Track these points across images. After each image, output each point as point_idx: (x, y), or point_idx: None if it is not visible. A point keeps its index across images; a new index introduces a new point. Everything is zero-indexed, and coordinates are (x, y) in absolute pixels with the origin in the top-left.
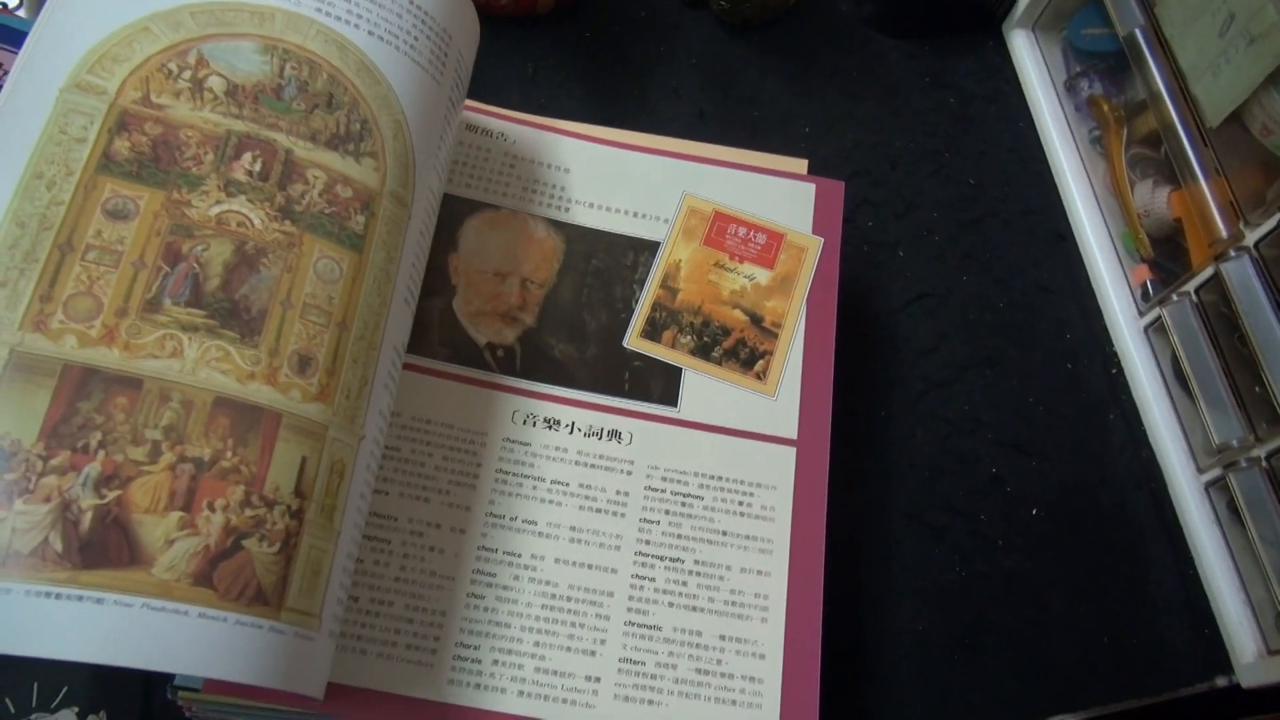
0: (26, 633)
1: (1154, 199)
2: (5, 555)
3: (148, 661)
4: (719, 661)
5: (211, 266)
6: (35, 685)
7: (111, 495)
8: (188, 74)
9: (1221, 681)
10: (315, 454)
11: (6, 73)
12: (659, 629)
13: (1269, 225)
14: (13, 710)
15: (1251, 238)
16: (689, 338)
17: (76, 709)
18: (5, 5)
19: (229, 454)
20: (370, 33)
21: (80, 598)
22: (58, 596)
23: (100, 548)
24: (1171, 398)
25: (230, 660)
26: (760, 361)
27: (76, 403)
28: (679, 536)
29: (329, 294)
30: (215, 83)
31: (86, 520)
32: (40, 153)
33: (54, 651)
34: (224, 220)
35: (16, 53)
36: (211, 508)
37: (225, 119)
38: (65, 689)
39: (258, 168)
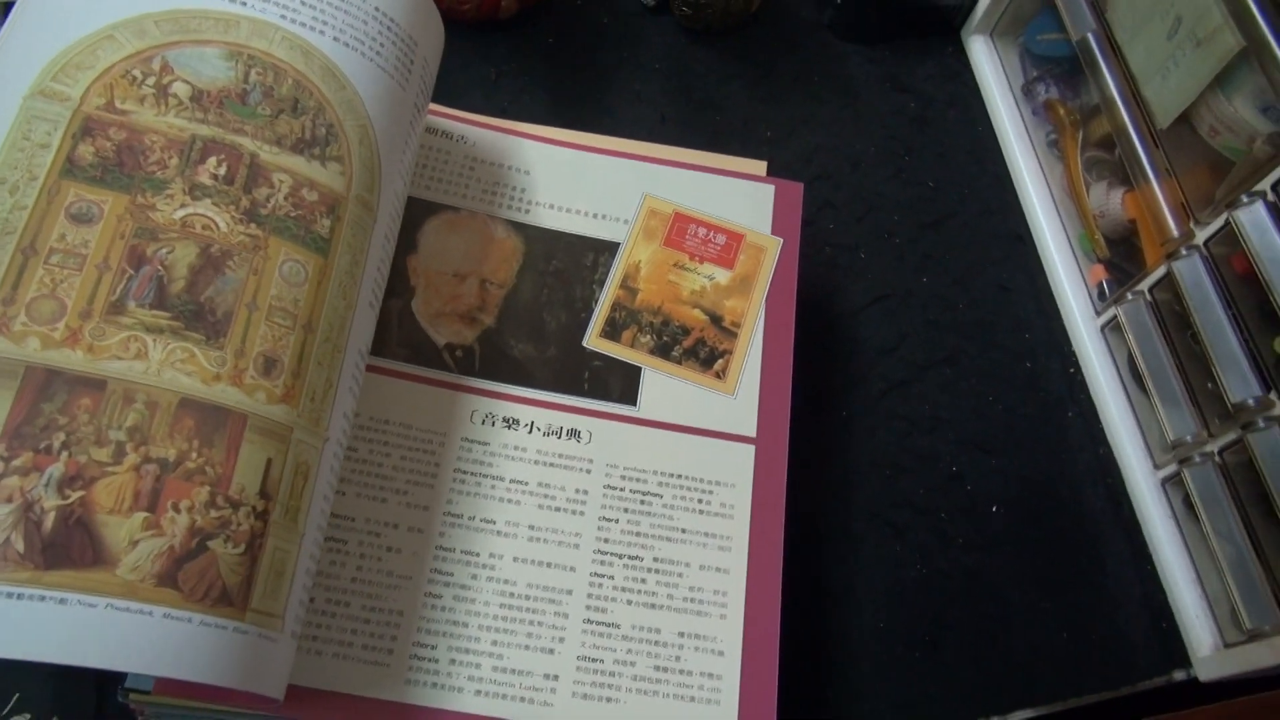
0: None
1: (1109, 200)
2: None
3: (111, 661)
4: (678, 659)
5: (176, 269)
6: None
7: (75, 496)
8: (152, 80)
9: (1179, 675)
10: (280, 455)
11: None
12: (617, 626)
13: (1217, 224)
14: None
15: (1201, 236)
16: (649, 337)
17: (29, 715)
18: None
19: (194, 455)
20: (336, 39)
21: (43, 598)
22: (20, 596)
23: (63, 548)
24: (1128, 395)
25: (194, 661)
26: (719, 360)
27: (39, 404)
28: (638, 534)
29: (295, 296)
30: (180, 88)
31: (49, 521)
32: (3, 159)
33: (16, 651)
34: (189, 223)
35: None
36: (176, 509)
37: (190, 124)
38: (17, 695)
39: (223, 171)
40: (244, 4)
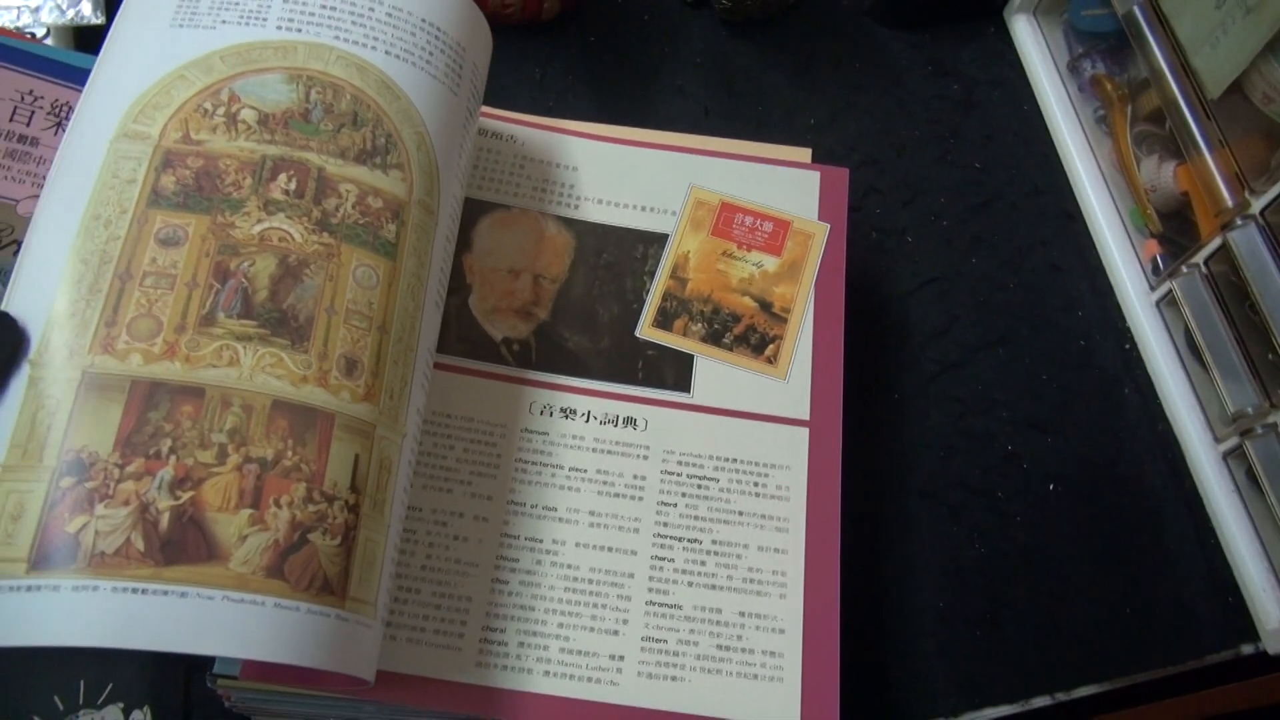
0: (118, 627)
1: (1160, 174)
2: (90, 556)
3: (230, 648)
4: (739, 637)
5: (259, 280)
6: (82, 682)
7: (185, 496)
8: (222, 110)
9: (1247, 649)
10: (366, 451)
11: (37, 98)
12: (679, 607)
13: (1273, 193)
14: (61, 707)
15: (1257, 206)
16: (700, 325)
17: (121, 704)
18: (33, 35)
19: (290, 453)
20: (387, 53)
21: (165, 592)
22: (143, 592)
23: (180, 545)
24: (1186, 370)
25: (303, 646)
26: (770, 346)
27: (146, 413)
28: (696, 517)
29: (368, 299)
30: (247, 114)
31: (164, 520)
32: (96, 197)
33: (144, 642)
34: (266, 237)
35: (42, 79)
36: (278, 504)
37: (259, 145)
38: (110, 685)
39: (293, 186)
40: (298, 30)
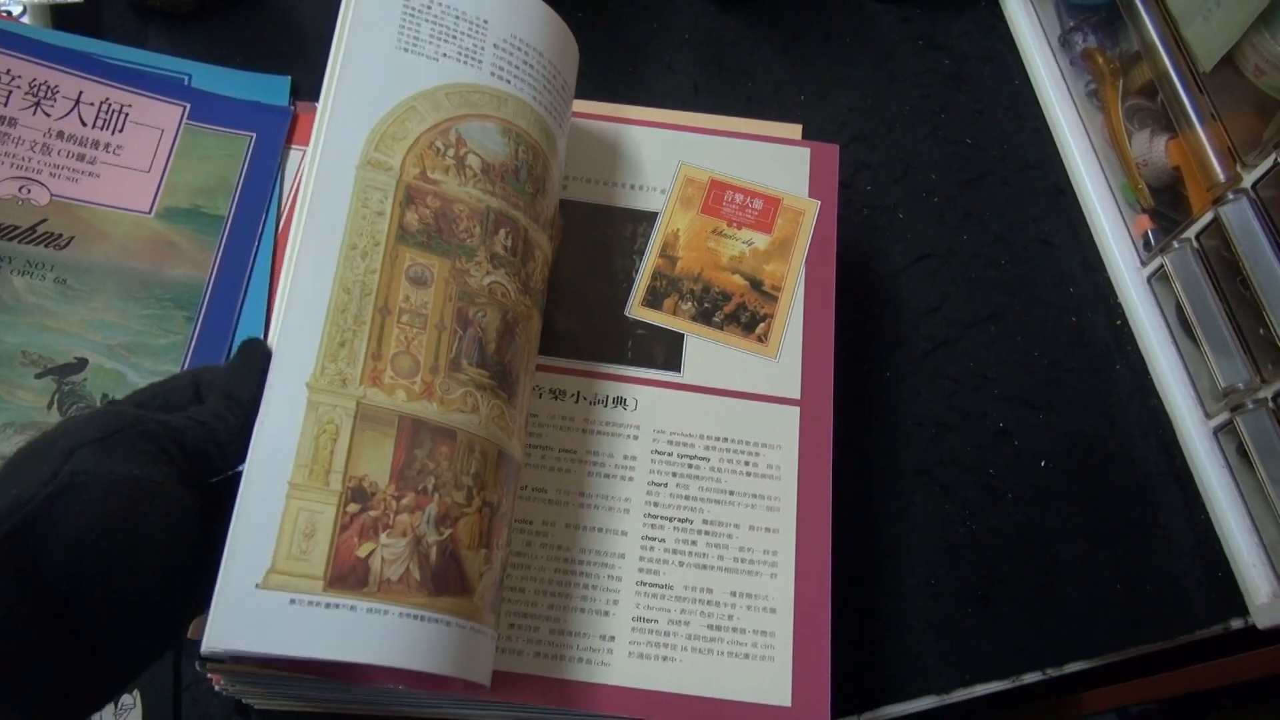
0: (401, 648)
1: (1152, 148)
2: (380, 581)
3: (472, 674)
4: (730, 617)
5: (489, 332)
6: None
7: (446, 533)
8: (451, 152)
9: (1236, 623)
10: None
11: (14, 77)
12: (670, 587)
13: (1265, 166)
14: None
15: (1249, 179)
16: (690, 304)
17: None
18: (9, 13)
19: (505, 501)
20: (560, 127)
21: (436, 620)
22: (421, 619)
23: (445, 578)
24: (1177, 345)
25: (489, 667)
26: (761, 324)
27: (413, 450)
28: (687, 497)
29: (534, 363)
30: (472, 160)
31: (433, 554)
32: (351, 225)
33: (422, 665)
34: (493, 290)
35: (19, 57)
36: (497, 545)
37: (484, 195)
38: None
39: (509, 243)
40: (507, 82)
